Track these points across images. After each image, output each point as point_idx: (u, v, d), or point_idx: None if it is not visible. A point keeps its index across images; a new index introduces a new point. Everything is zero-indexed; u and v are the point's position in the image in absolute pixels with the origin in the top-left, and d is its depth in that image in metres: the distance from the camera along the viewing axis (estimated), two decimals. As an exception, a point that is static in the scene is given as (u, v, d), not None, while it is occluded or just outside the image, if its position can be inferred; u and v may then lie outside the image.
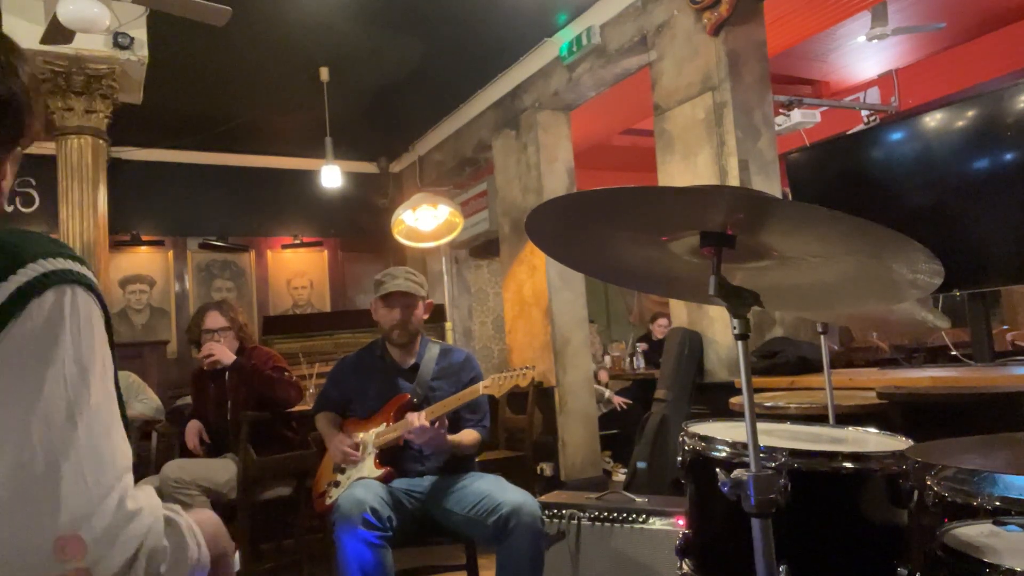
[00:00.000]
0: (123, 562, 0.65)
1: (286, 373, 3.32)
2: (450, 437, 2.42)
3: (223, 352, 3.26)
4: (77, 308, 0.70)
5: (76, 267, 0.72)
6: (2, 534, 0.61)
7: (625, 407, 5.80)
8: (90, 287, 0.73)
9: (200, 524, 0.82)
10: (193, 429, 3.28)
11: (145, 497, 0.70)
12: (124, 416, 0.77)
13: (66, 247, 0.74)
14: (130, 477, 0.70)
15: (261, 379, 3.23)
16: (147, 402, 3.63)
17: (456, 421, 2.52)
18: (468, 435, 2.51)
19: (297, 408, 3.49)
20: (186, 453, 3.46)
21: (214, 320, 3.35)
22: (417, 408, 2.48)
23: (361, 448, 2.55)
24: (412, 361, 2.65)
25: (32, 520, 0.61)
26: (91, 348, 0.70)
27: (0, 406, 0.63)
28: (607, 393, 5.91)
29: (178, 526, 0.75)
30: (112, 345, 0.77)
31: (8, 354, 0.64)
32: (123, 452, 0.70)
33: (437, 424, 2.35)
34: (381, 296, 2.57)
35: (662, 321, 6.31)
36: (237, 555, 3.05)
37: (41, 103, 0.87)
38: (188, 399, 4.20)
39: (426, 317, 2.65)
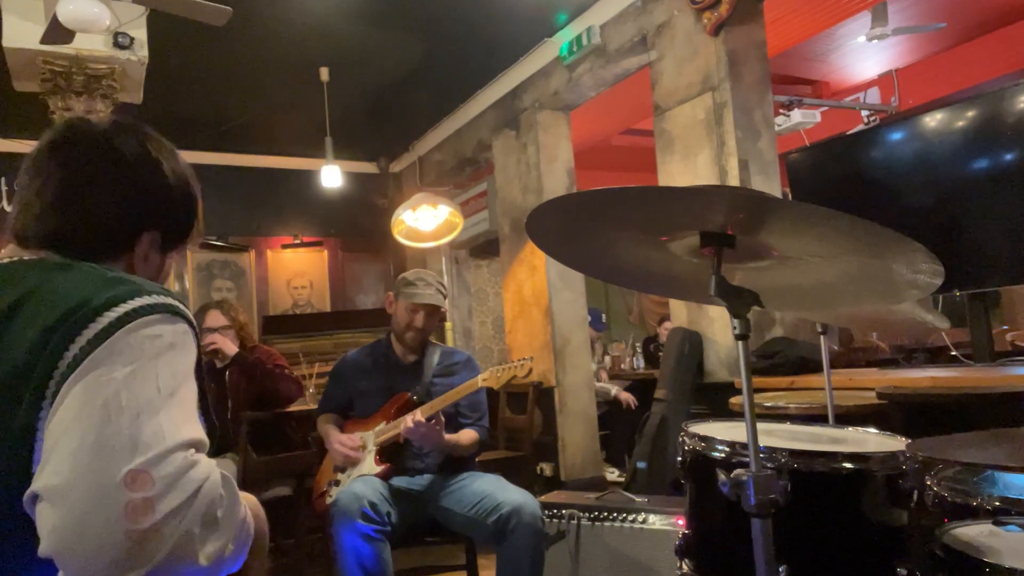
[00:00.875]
0: (184, 499, 0.74)
1: (287, 370, 3.33)
2: (447, 436, 2.42)
3: (225, 343, 3.27)
4: (178, 333, 0.86)
5: (181, 307, 0.88)
6: (83, 468, 0.71)
7: (633, 406, 5.71)
8: (191, 324, 0.89)
9: (247, 504, 0.91)
10: None
11: (205, 458, 0.81)
12: (211, 433, 0.89)
13: (174, 293, 0.90)
14: (202, 451, 0.81)
15: (264, 372, 3.25)
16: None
17: (455, 421, 2.52)
18: (466, 435, 2.51)
19: (297, 408, 3.49)
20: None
21: (215, 319, 3.37)
22: (417, 407, 2.49)
23: (361, 447, 2.55)
24: (415, 359, 2.66)
25: (111, 457, 0.72)
26: (183, 363, 0.85)
27: (102, 377, 0.76)
28: (613, 391, 5.80)
29: (230, 481, 0.83)
30: (200, 376, 0.91)
31: (116, 348, 0.79)
32: (197, 431, 0.81)
33: (433, 421, 2.35)
34: (411, 302, 2.58)
35: (669, 324, 6.21)
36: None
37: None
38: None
39: (443, 311, 2.70)
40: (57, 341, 0.78)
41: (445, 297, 2.64)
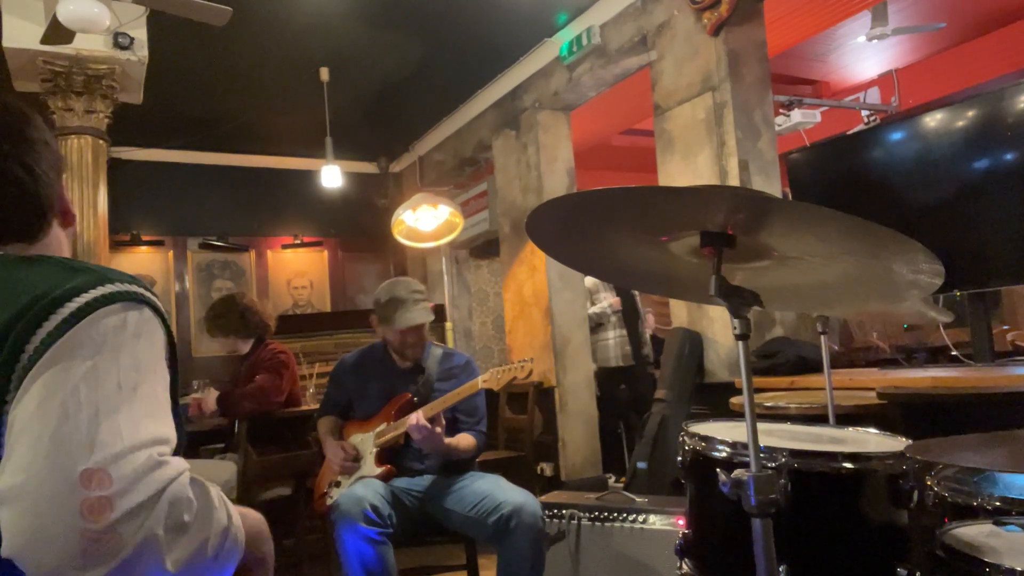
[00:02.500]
0: (145, 499, 0.72)
1: (268, 375, 3.33)
2: (446, 440, 2.41)
3: (205, 403, 3.32)
4: (142, 321, 0.84)
5: (146, 293, 0.86)
6: (39, 467, 0.70)
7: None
8: (156, 310, 0.87)
9: (244, 517, 0.90)
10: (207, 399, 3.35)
11: (176, 459, 0.79)
12: (178, 416, 0.87)
13: (134, 278, 0.87)
14: (168, 448, 0.79)
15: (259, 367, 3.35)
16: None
17: (453, 425, 2.51)
18: (464, 439, 2.51)
19: (297, 408, 3.50)
20: (185, 453, 3.47)
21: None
22: (417, 408, 2.48)
23: (361, 448, 2.55)
24: (415, 363, 2.64)
25: (68, 456, 0.71)
26: (147, 352, 0.83)
27: (61, 373, 0.75)
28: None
29: (205, 487, 0.81)
30: (174, 361, 0.90)
31: (76, 341, 0.77)
32: (162, 429, 0.79)
33: (434, 423, 2.34)
34: (398, 327, 2.52)
35: (649, 319, 6.05)
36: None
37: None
38: (188, 399, 4.22)
39: (432, 319, 2.62)
40: (19, 333, 0.76)
41: (428, 301, 2.59)
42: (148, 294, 0.86)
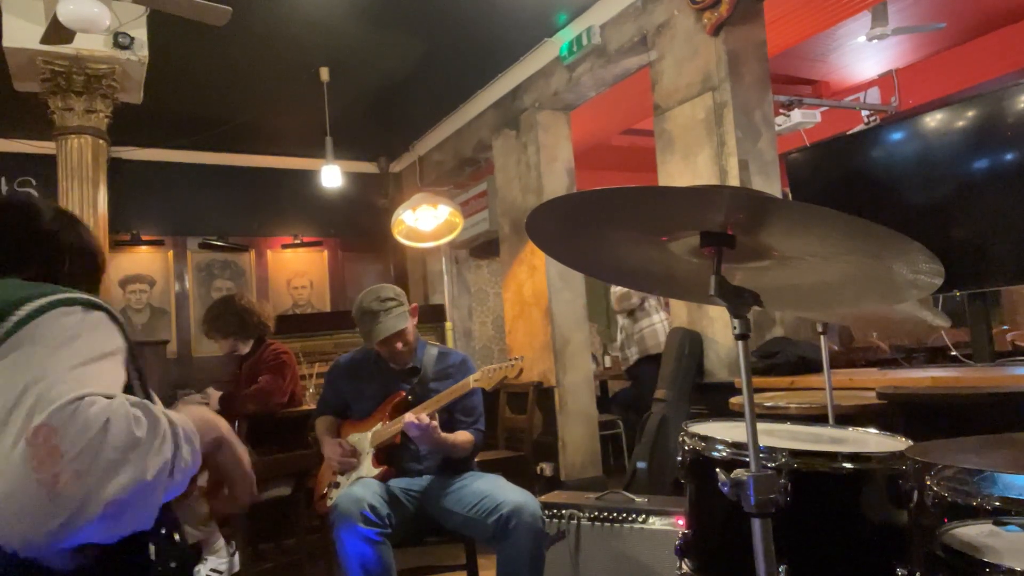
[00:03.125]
0: (92, 436, 0.73)
1: (270, 376, 3.34)
2: (444, 436, 2.41)
3: (209, 405, 3.34)
4: (92, 318, 0.87)
5: (98, 300, 0.89)
6: None
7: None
8: (109, 313, 0.89)
9: (188, 414, 0.92)
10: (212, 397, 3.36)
11: (107, 396, 0.79)
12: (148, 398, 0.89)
13: (100, 300, 0.90)
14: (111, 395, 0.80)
15: (260, 368, 3.35)
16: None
17: (450, 424, 2.51)
18: (461, 435, 2.50)
19: (297, 408, 3.50)
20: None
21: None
22: (413, 407, 2.48)
23: (358, 448, 2.55)
24: (410, 364, 2.64)
25: (11, 425, 0.73)
26: (92, 336, 0.85)
27: (14, 362, 0.78)
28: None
29: (148, 405, 0.82)
30: (136, 362, 0.92)
31: (29, 333, 0.81)
32: (104, 388, 0.80)
33: (429, 420, 2.34)
34: (375, 341, 2.49)
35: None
36: (236, 556, 3.06)
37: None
38: (187, 399, 4.22)
39: (415, 321, 2.58)
40: None
41: (402, 305, 2.51)
42: (103, 303, 0.89)
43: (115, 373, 0.86)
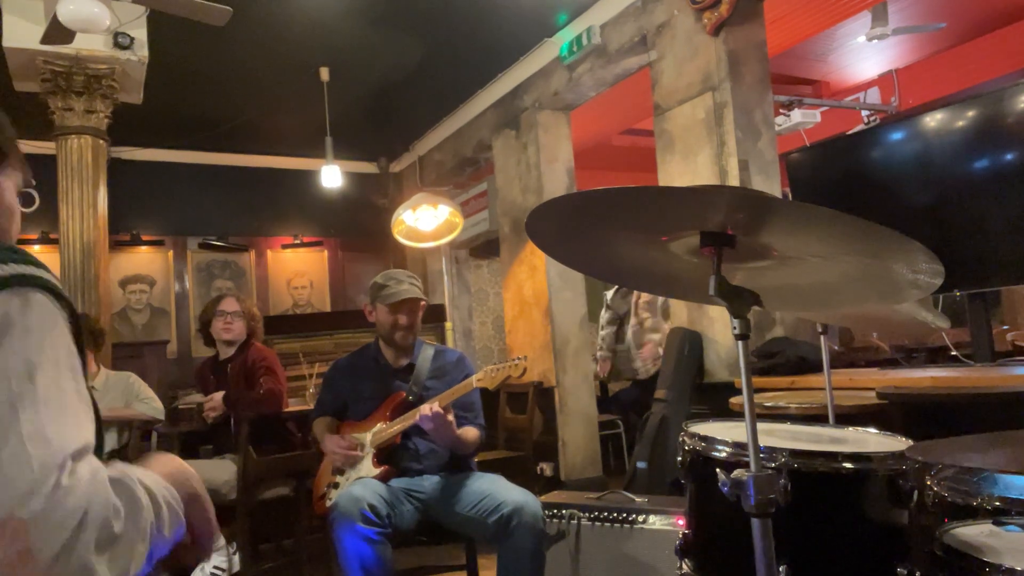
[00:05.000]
0: (68, 534, 0.62)
1: (271, 377, 3.34)
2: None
3: (215, 406, 3.32)
4: (30, 310, 0.70)
5: (37, 272, 0.73)
6: None
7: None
8: (52, 291, 0.74)
9: (162, 472, 0.82)
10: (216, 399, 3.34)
11: (87, 468, 0.68)
12: (97, 412, 0.77)
13: (25, 254, 0.74)
14: (82, 457, 0.68)
15: (249, 383, 3.34)
16: (148, 402, 3.65)
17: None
18: (469, 431, 2.51)
19: (298, 408, 3.50)
20: (185, 453, 3.47)
21: (229, 304, 3.48)
22: (412, 407, 2.48)
23: (358, 448, 2.55)
24: (407, 361, 2.65)
25: None
26: (40, 347, 0.70)
27: None
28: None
29: (124, 481, 0.72)
30: (79, 341, 0.77)
31: None
32: (77, 434, 0.68)
33: (446, 411, 2.34)
34: (389, 303, 2.56)
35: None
36: (237, 556, 3.06)
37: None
38: (187, 399, 4.22)
39: (421, 316, 2.65)
40: None
41: (422, 290, 2.62)
42: (34, 271, 0.73)
43: (71, 373, 0.72)
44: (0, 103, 0.96)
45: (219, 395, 3.31)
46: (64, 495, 0.63)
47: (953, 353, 2.90)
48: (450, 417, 2.35)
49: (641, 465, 3.56)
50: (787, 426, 1.63)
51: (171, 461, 0.88)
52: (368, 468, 2.48)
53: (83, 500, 0.64)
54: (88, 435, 0.70)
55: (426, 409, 2.33)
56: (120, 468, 0.73)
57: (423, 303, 2.64)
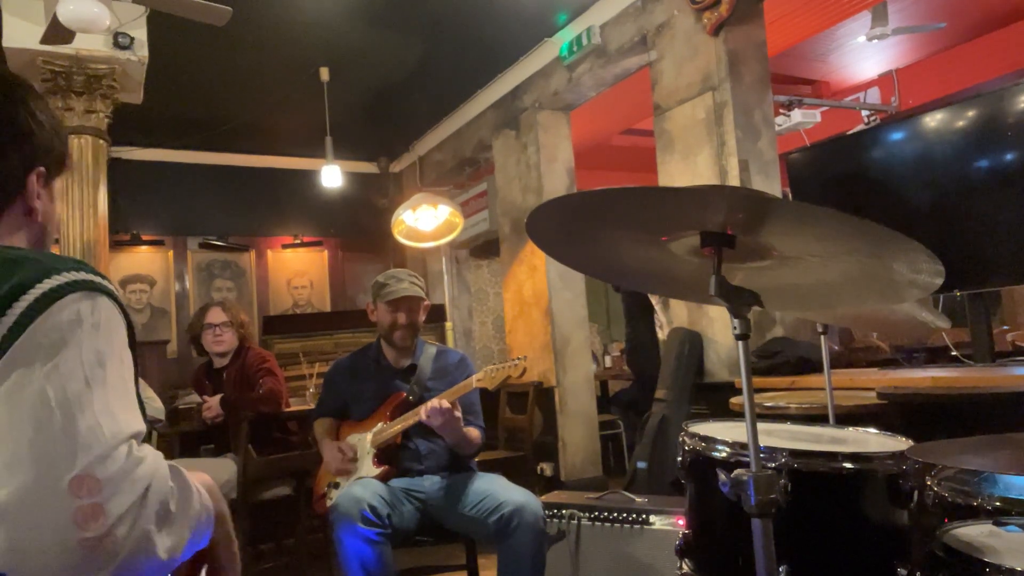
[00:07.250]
0: (135, 499, 0.71)
1: (272, 378, 3.34)
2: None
3: (213, 408, 3.32)
4: (98, 310, 0.79)
5: (103, 281, 0.82)
6: (22, 482, 0.67)
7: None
8: (114, 298, 0.83)
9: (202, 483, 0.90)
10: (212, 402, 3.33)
11: (150, 450, 0.77)
12: (143, 408, 0.85)
13: (89, 266, 0.83)
14: (142, 441, 0.77)
15: (248, 387, 3.33)
16: (149, 402, 3.64)
17: None
18: (472, 430, 2.52)
19: (298, 407, 3.50)
20: (185, 453, 3.47)
21: (215, 315, 3.44)
22: (413, 407, 2.49)
23: (358, 449, 2.55)
24: (408, 362, 2.65)
25: (51, 465, 0.68)
26: (108, 342, 0.79)
27: (23, 379, 0.71)
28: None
29: (179, 471, 0.80)
30: (134, 348, 0.86)
31: (32, 343, 0.73)
32: (136, 421, 0.77)
33: (453, 407, 2.35)
34: (388, 301, 2.56)
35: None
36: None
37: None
38: (187, 399, 4.21)
39: (423, 318, 2.65)
40: None
41: (423, 289, 2.61)
42: (100, 280, 0.82)
43: (129, 371, 0.82)
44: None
45: (216, 399, 3.31)
46: (134, 464, 0.72)
47: (953, 353, 2.90)
48: (457, 413, 2.36)
49: (641, 465, 3.56)
50: (787, 426, 1.64)
51: (203, 477, 0.93)
52: (368, 468, 2.48)
53: (148, 473, 0.73)
54: (143, 425, 0.79)
55: (435, 403, 2.33)
56: (177, 466, 0.81)
57: (425, 303, 2.63)
